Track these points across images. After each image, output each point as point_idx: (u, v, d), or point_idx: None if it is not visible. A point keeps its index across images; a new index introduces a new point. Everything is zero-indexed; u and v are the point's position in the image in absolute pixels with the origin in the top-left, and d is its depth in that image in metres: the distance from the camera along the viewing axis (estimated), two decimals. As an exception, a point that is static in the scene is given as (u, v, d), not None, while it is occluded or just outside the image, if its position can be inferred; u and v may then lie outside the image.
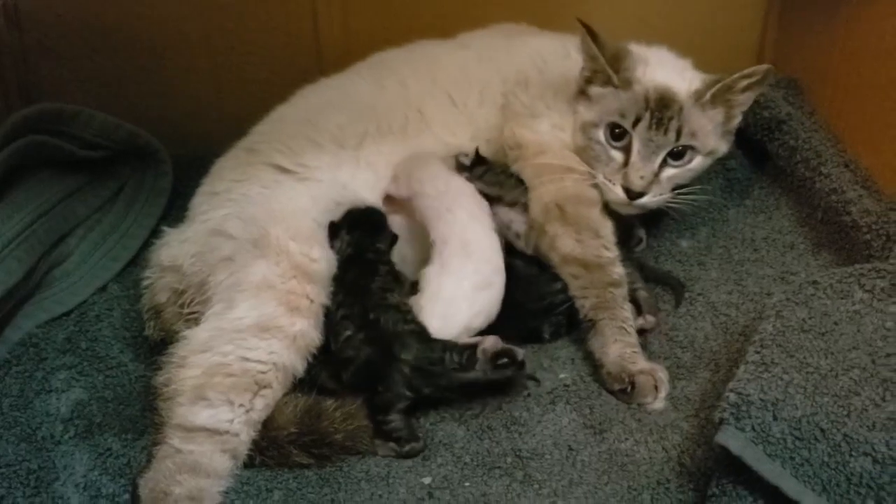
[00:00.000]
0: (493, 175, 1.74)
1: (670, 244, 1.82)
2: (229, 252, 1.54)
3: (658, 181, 1.64)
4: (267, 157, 1.74)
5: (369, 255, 1.59)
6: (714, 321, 1.59)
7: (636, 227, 1.80)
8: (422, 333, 1.47)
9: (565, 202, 1.65)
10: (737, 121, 1.69)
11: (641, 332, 1.58)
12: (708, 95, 1.61)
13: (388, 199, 1.73)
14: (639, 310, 1.61)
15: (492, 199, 1.71)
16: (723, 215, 1.86)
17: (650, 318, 1.60)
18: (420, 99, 1.84)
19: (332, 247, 1.61)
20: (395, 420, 1.40)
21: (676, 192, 1.67)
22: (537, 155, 1.73)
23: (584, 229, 1.62)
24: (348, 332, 1.47)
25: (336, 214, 1.66)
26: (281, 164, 1.72)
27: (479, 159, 1.76)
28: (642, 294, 1.63)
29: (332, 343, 1.48)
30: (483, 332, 1.53)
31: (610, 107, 1.65)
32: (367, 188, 1.74)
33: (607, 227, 1.65)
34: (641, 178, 1.61)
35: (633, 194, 1.63)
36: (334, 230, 1.63)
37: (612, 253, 1.62)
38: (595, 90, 1.68)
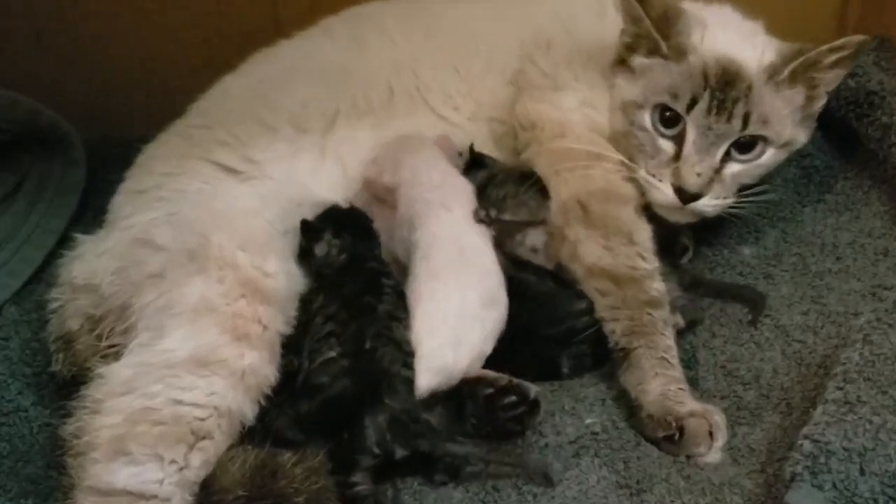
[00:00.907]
0: (496, 187, 1.75)
1: (729, 252, 1.84)
2: (159, 266, 1.56)
3: (719, 179, 1.65)
4: (206, 151, 1.77)
5: (371, 263, 1.63)
6: (785, 349, 1.61)
7: (681, 233, 1.81)
8: (413, 384, 1.48)
9: (589, 198, 1.66)
10: (820, 103, 1.70)
11: None
12: (786, 72, 1.62)
13: (368, 185, 1.77)
14: None
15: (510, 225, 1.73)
16: (796, 215, 1.88)
17: (678, 320, 1.63)
18: (413, 62, 1.87)
19: (307, 253, 1.64)
20: (362, 483, 1.40)
21: (741, 193, 1.69)
22: (556, 138, 1.74)
23: (613, 233, 1.64)
24: (331, 354, 1.49)
25: (296, 216, 1.68)
26: (222, 161, 1.75)
27: (474, 161, 1.78)
28: (681, 302, 1.66)
29: (305, 360, 1.50)
30: (485, 366, 1.55)
31: (658, 83, 1.66)
32: (331, 188, 1.77)
33: (643, 231, 1.66)
34: (698, 175, 1.63)
35: (686, 196, 1.64)
36: (312, 232, 1.66)
37: (650, 264, 1.63)
38: (639, 61, 1.70)
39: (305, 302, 1.59)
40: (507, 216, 1.71)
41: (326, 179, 1.77)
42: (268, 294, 1.54)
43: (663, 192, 1.66)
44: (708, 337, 1.68)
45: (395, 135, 1.82)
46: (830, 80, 1.67)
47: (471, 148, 1.79)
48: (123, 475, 1.35)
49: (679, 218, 1.70)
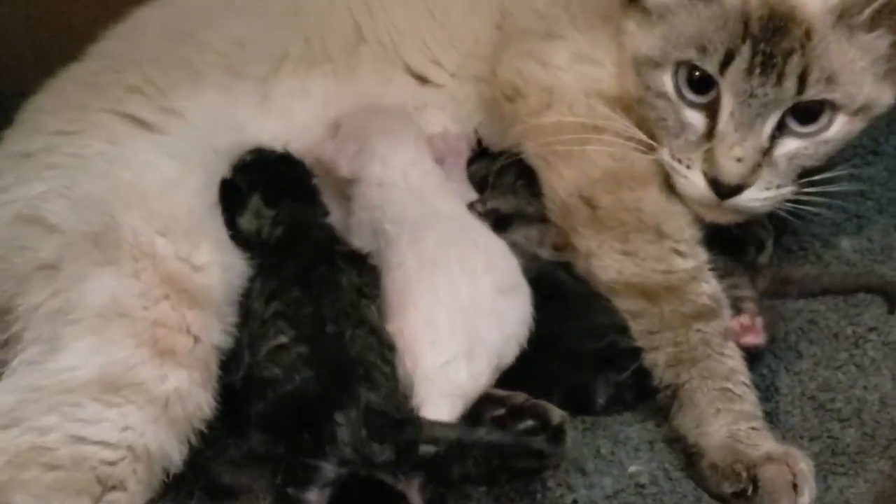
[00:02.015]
0: (497, 177, 1.81)
1: (822, 245, 1.87)
2: (52, 254, 1.57)
3: (770, 162, 1.64)
4: (112, 100, 1.79)
5: (316, 232, 1.66)
6: None
7: (753, 222, 1.80)
8: (397, 381, 1.50)
9: (594, 189, 1.69)
10: None
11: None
12: (865, 14, 1.59)
13: (320, 165, 1.80)
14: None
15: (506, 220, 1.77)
16: None
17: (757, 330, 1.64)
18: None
19: (230, 227, 1.67)
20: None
21: (804, 180, 1.68)
22: (542, 110, 1.76)
23: (633, 231, 1.66)
24: (282, 339, 1.51)
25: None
26: (133, 112, 1.78)
27: (481, 151, 1.84)
28: (750, 307, 1.67)
29: (245, 351, 1.53)
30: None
31: (681, 32, 1.65)
32: (275, 142, 1.80)
33: (676, 217, 1.68)
34: (738, 160, 1.61)
35: (723, 189, 1.63)
36: (236, 196, 1.69)
37: (693, 260, 1.65)
38: None
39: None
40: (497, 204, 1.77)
41: (269, 133, 1.82)
42: (198, 294, 1.55)
43: (693, 184, 1.65)
44: (793, 358, 1.70)
45: (359, 91, 1.87)
46: None
47: (478, 139, 1.86)
48: (5, 536, 1.36)
49: (717, 217, 1.69)
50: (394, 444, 1.42)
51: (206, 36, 1.87)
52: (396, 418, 1.44)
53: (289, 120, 1.84)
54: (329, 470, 1.41)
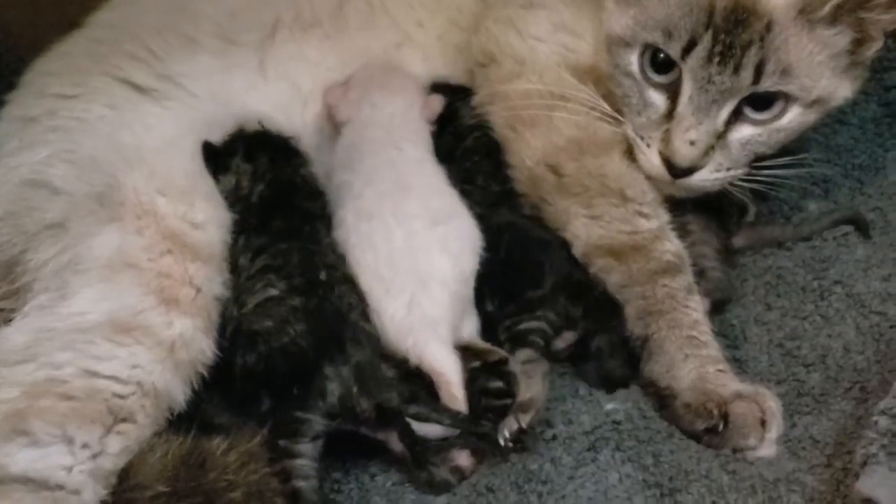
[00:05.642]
0: (463, 155, 1.90)
1: (790, 208, 1.98)
2: (59, 214, 1.69)
3: (723, 146, 1.73)
4: (112, 66, 1.90)
5: (300, 195, 1.76)
6: (860, 323, 1.74)
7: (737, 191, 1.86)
8: (378, 343, 1.61)
9: (559, 157, 1.79)
10: (875, 47, 1.74)
11: None
12: (826, 9, 1.65)
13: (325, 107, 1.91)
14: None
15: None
16: (875, 161, 2.01)
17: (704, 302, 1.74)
18: None
19: (218, 184, 1.77)
20: (303, 458, 1.51)
21: (757, 164, 1.77)
22: (512, 78, 1.85)
23: (597, 195, 1.76)
24: (272, 292, 1.61)
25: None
26: (132, 78, 1.88)
27: (446, 113, 1.91)
28: (713, 274, 1.79)
29: (232, 306, 1.63)
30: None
31: (652, 16, 1.73)
32: (278, 107, 1.91)
33: (638, 181, 1.77)
34: (691, 143, 1.70)
35: (676, 169, 1.73)
36: (218, 158, 1.79)
37: (656, 220, 1.75)
38: None
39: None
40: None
41: (271, 97, 1.92)
42: (199, 249, 1.67)
43: (650, 161, 1.76)
44: (761, 310, 1.81)
45: (353, 49, 1.98)
46: (887, 21, 1.69)
47: (443, 95, 1.94)
48: (22, 459, 1.44)
49: (672, 192, 1.79)
50: (378, 402, 1.53)
51: (200, 7, 1.97)
52: (386, 380, 1.55)
53: (289, 81, 1.94)
54: (317, 422, 1.51)
